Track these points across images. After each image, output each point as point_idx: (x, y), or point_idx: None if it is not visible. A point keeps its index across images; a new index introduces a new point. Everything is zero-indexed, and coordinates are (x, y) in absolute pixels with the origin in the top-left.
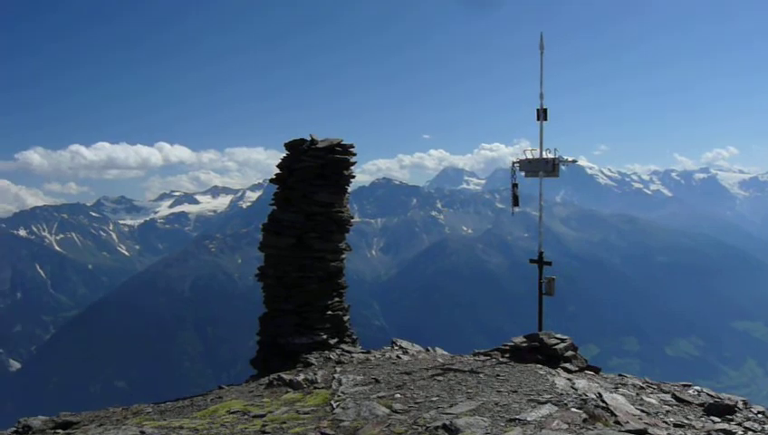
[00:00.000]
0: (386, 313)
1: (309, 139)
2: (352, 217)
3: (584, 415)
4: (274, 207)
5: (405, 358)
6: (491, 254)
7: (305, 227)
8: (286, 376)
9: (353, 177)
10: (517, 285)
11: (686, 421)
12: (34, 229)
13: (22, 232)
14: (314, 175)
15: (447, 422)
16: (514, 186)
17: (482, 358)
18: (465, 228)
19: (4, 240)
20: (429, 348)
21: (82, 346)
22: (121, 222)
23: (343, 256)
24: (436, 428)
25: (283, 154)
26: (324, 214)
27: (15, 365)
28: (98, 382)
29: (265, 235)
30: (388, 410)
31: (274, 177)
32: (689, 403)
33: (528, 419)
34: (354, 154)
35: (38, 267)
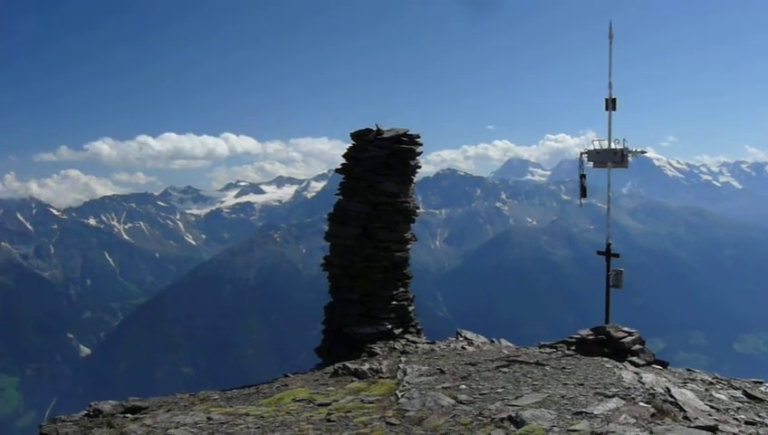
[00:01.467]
0: (449, 304)
1: (375, 129)
2: (418, 208)
3: (652, 410)
4: (340, 197)
5: (470, 349)
6: (556, 246)
7: (371, 217)
8: (351, 365)
9: (419, 167)
10: (582, 277)
11: (757, 419)
12: (104, 218)
13: (92, 221)
14: (380, 165)
15: (513, 414)
16: (582, 177)
17: (547, 350)
18: (529, 220)
19: (74, 229)
20: (494, 339)
21: (150, 333)
22: (188, 211)
23: (408, 246)
24: (502, 419)
25: (348, 144)
26: (390, 204)
27: (85, 351)
28: (165, 368)
29: (331, 224)
30: (452, 401)
31: (340, 167)
32: (761, 400)
33: (595, 412)
34: (420, 144)
35: (107, 255)
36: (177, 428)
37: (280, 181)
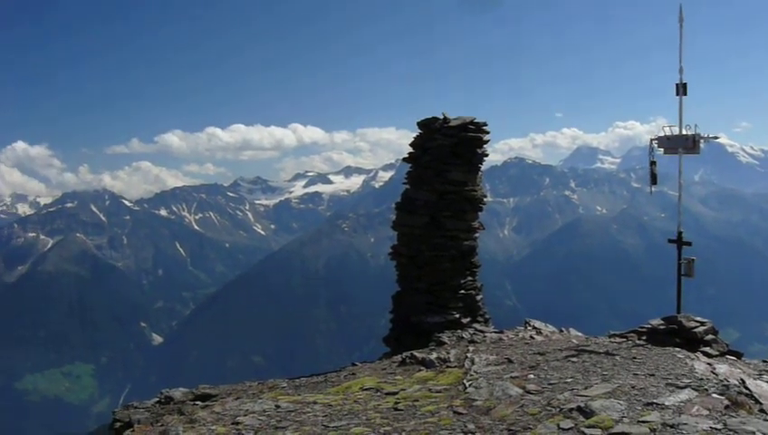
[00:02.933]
0: (517, 293)
1: (442, 117)
2: (485, 196)
3: (726, 401)
4: (407, 186)
5: (538, 338)
6: (626, 234)
7: (438, 206)
8: (419, 354)
9: (486, 155)
10: (653, 266)
11: None
12: (174, 209)
13: (163, 212)
14: (447, 153)
15: (582, 404)
16: (652, 163)
17: (617, 340)
18: (599, 208)
19: (146, 220)
20: (563, 329)
21: (220, 322)
22: (257, 202)
23: (476, 234)
24: (571, 410)
25: (415, 133)
26: (457, 193)
27: (158, 339)
28: (235, 357)
29: (399, 214)
30: (521, 391)
31: (407, 156)
32: None
33: (666, 403)
34: (487, 132)
35: (178, 246)
36: (245, 415)
37: (348, 171)
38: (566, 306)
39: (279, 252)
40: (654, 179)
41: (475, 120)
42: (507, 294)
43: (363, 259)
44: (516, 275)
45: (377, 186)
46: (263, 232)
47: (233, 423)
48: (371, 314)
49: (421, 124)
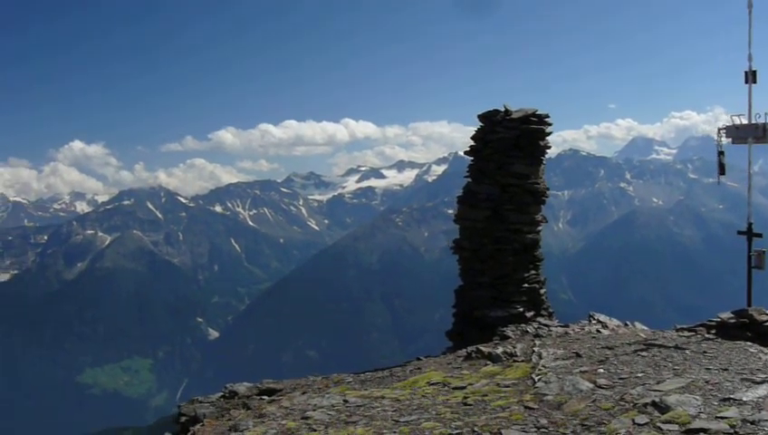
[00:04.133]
0: (573, 286)
1: (503, 109)
2: (548, 189)
3: None
4: (469, 180)
5: (605, 332)
6: (683, 226)
7: (501, 199)
8: (485, 349)
9: (549, 147)
10: (712, 259)
11: None
12: (229, 205)
13: (218, 208)
14: (509, 146)
15: (657, 400)
16: (720, 153)
17: (686, 334)
18: (655, 200)
19: (201, 216)
20: (628, 323)
21: (275, 317)
22: (311, 197)
23: (539, 227)
24: (645, 405)
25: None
26: (520, 185)
27: (214, 334)
28: (290, 352)
29: (460, 207)
30: (591, 386)
31: (468, 149)
32: None
33: (744, 399)
34: (550, 124)
35: (233, 242)
36: (314, 410)
37: (400, 165)
38: (622, 300)
39: (333, 247)
40: (722, 169)
41: (537, 112)
42: (563, 287)
43: (417, 253)
44: (571, 269)
45: (430, 180)
46: (316, 227)
47: (302, 418)
48: (425, 307)
49: (482, 117)
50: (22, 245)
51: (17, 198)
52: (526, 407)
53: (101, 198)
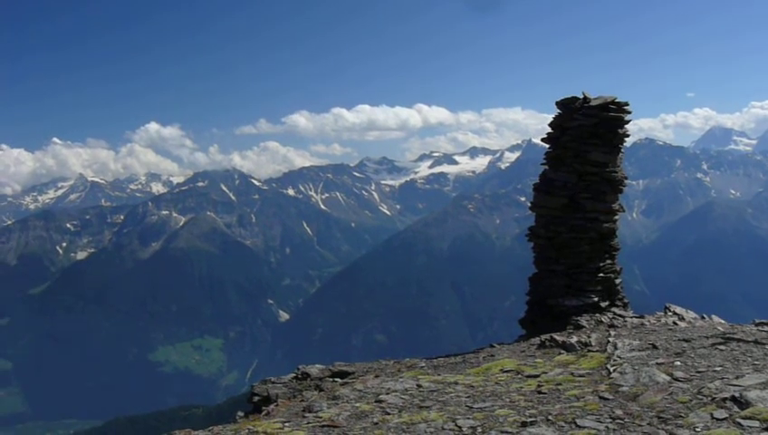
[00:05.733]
0: (646, 277)
1: (581, 97)
2: (626, 178)
3: None
4: (546, 167)
5: (681, 324)
6: (762, 219)
7: (577, 188)
8: (559, 337)
9: (627, 135)
10: None
11: None
12: (302, 188)
13: (290, 191)
14: (587, 134)
15: (736, 394)
16: None
17: (766, 329)
18: (733, 192)
19: (274, 199)
20: (704, 315)
21: (345, 301)
22: (383, 182)
23: (616, 217)
24: (724, 399)
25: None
26: (597, 174)
27: (284, 316)
28: (359, 336)
29: (536, 194)
30: (668, 378)
31: (546, 136)
32: None
33: None
34: (629, 112)
35: (305, 225)
36: (387, 393)
37: (473, 152)
38: (696, 292)
39: (404, 232)
40: None
41: (617, 100)
42: (635, 278)
43: (488, 240)
44: (644, 259)
45: (503, 167)
46: (388, 212)
47: (376, 401)
48: (495, 295)
49: (560, 104)
50: (99, 224)
51: (95, 178)
52: (601, 397)
53: (176, 180)
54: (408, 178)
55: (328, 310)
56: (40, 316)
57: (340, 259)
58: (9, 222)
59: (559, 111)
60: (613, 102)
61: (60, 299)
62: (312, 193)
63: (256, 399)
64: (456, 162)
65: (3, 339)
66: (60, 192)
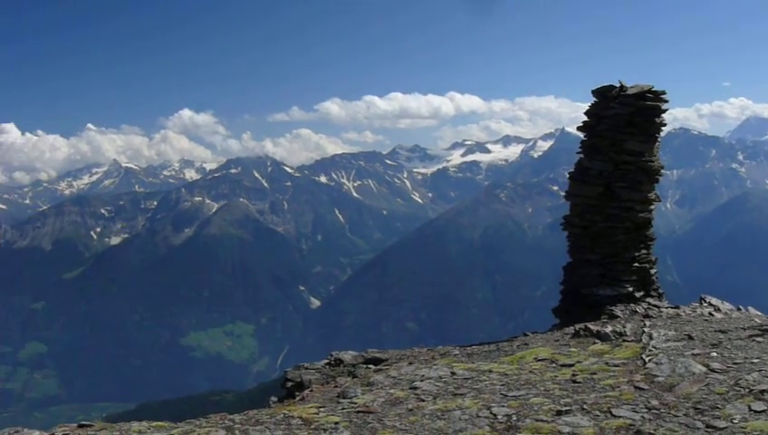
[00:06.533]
0: (679, 268)
1: (618, 85)
2: (662, 167)
3: None
4: (581, 156)
5: (717, 316)
6: None
7: (613, 177)
8: (593, 327)
9: (664, 125)
10: None
11: None
12: (334, 176)
13: (322, 178)
14: (624, 123)
15: None
16: None
17: None
18: None
19: (306, 186)
20: (741, 307)
21: (376, 288)
22: (415, 170)
23: (652, 206)
24: (762, 391)
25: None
26: (633, 163)
27: (315, 303)
28: (390, 323)
29: (572, 183)
30: (704, 369)
31: (581, 124)
32: None
33: None
34: (666, 101)
35: (337, 212)
36: (422, 380)
37: (506, 140)
38: (729, 284)
39: (436, 220)
40: None
41: (654, 89)
42: (668, 269)
43: (520, 229)
44: (677, 250)
45: (535, 155)
46: (420, 200)
47: (410, 388)
48: (527, 285)
49: (597, 92)
50: (132, 210)
51: (129, 165)
52: (637, 387)
53: (209, 166)
54: (441, 167)
55: (359, 297)
56: (74, 301)
57: (371, 247)
58: (44, 207)
59: (595, 99)
60: (650, 91)
61: (94, 284)
62: (345, 180)
63: (290, 384)
64: (488, 151)
65: (38, 323)
66: (94, 178)
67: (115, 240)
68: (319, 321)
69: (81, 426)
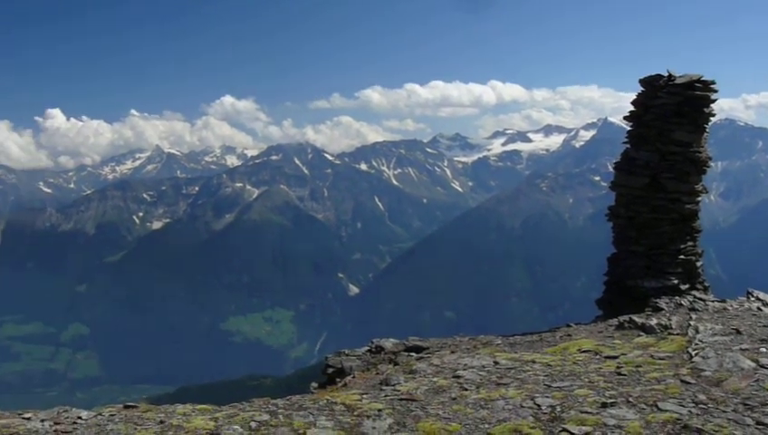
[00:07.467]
0: (722, 261)
1: (666, 75)
2: (710, 158)
3: None
4: (627, 146)
5: (766, 310)
6: None
7: (660, 167)
8: (638, 319)
9: (713, 115)
10: None
11: None
12: (374, 163)
13: (363, 166)
14: (671, 113)
15: None
16: None
17: None
18: None
19: (347, 173)
20: None
21: (415, 276)
22: (456, 159)
23: (699, 198)
24: None
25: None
26: (681, 153)
27: (354, 290)
28: (428, 311)
29: (618, 174)
30: (753, 364)
31: (628, 114)
32: None
33: None
34: (715, 91)
35: (377, 200)
36: (465, 369)
37: (548, 130)
38: None
39: (476, 209)
40: None
41: (703, 78)
42: (711, 261)
43: (561, 220)
44: (721, 243)
45: (577, 145)
46: (460, 189)
47: (453, 377)
48: (567, 275)
49: (644, 81)
50: (174, 195)
51: (171, 150)
52: (683, 381)
53: (251, 153)
54: (481, 155)
55: (398, 285)
56: (116, 284)
57: (411, 235)
58: (88, 192)
59: (642, 88)
60: (699, 81)
61: (135, 267)
62: (385, 168)
63: (330, 371)
64: (529, 140)
65: (81, 305)
66: (137, 163)
67: (157, 225)
68: (357, 308)
69: (126, 407)
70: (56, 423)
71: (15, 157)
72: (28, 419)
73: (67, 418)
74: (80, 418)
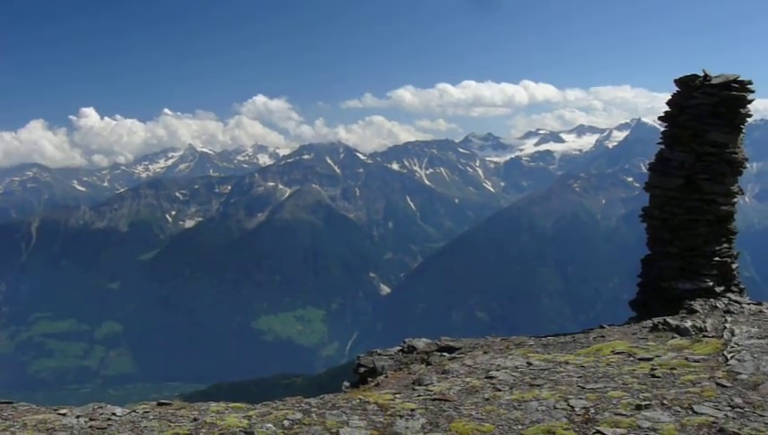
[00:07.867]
0: (757, 264)
1: (702, 75)
2: (746, 159)
3: None
4: (662, 147)
5: None
6: None
7: (695, 168)
8: (672, 321)
9: (750, 115)
10: None
11: None
12: (406, 163)
13: (395, 166)
14: (707, 113)
15: None
16: None
17: None
18: None
19: (379, 173)
20: None
21: (447, 276)
22: (488, 159)
23: (735, 199)
24: None
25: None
26: (716, 154)
27: (385, 290)
28: (459, 311)
29: (652, 174)
30: None
31: (663, 114)
32: None
33: None
34: (752, 91)
35: (408, 199)
36: (497, 370)
37: (580, 130)
38: None
39: (508, 209)
40: None
41: (739, 78)
42: (745, 264)
43: (593, 220)
44: (756, 245)
45: (610, 146)
46: (492, 189)
47: (486, 377)
48: (599, 276)
49: (679, 82)
50: (206, 194)
51: (204, 149)
52: (719, 384)
53: (283, 152)
54: (513, 156)
55: (429, 285)
56: (149, 281)
57: (442, 235)
58: (122, 190)
59: (677, 89)
60: (735, 81)
61: (168, 265)
62: (417, 168)
63: (362, 370)
64: (562, 140)
65: (114, 302)
66: (170, 162)
67: (189, 223)
68: (388, 308)
69: (160, 404)
70: (91, 419)
71: (50, 155)
72: (64, 414)
73: (102, 414)
74: (114, 414)
